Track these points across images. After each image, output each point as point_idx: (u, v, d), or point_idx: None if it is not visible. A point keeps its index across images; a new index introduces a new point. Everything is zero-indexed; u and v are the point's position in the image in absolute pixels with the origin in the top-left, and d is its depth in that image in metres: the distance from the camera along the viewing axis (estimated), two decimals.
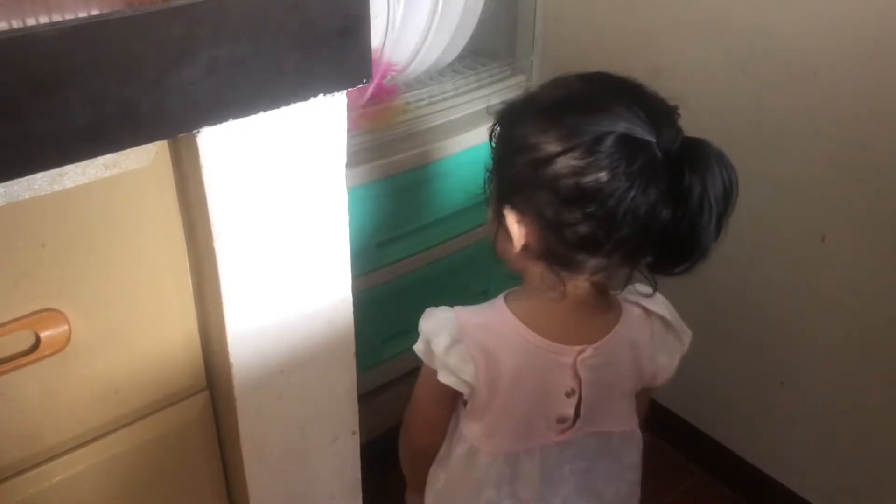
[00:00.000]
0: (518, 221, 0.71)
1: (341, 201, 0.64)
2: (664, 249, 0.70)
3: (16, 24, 0.46)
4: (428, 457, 0.87)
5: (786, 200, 1.03)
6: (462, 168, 1.08)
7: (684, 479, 1.27)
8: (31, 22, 0.46)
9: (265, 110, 0.53)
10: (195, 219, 0.58)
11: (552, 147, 0.67)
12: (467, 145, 1.07)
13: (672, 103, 0.69)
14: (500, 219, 0.73)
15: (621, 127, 0.66)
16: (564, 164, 0.66)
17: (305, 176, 0.60)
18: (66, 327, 0.54)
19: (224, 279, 0.58)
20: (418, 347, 0.78)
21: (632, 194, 0.66)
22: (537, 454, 0.79)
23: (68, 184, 0.51)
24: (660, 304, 0.80)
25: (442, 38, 1.05)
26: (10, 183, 0.48)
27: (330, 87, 0.56)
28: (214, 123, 0.51)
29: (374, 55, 0.97)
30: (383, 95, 1.02)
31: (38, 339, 0.53)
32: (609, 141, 0.65)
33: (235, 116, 0.52)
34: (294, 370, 0.67)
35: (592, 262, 0.71)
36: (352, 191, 0.64)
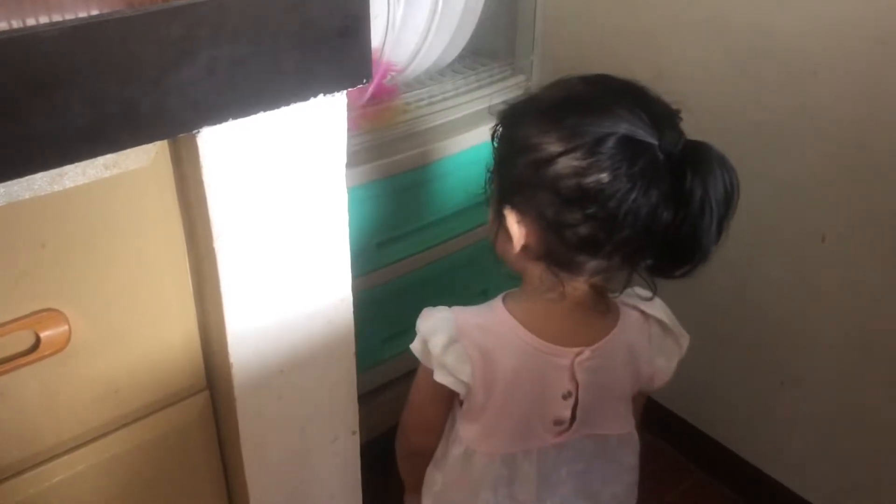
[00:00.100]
0: (518, 222, 0.71)
1: (341, 201, 0.64)
2: (665, 252, 0.70)
3: (16, 24, 0.46)
4: (424, 457, 0.86)
5: (786, 200, 1.03)
6: (462, 168, 1.08)
7: (684, 479, 1.27)
8: (31, 22, 0.46)
9: (265, 110, 0.53)
10: (195, 219, 0.58)
11: (554, 147, 0.67)
12: (467, 145, 1.07)
13: (675, 107, 0.69)
14: (500, 219, 0.73)
15: (623, 128, 0.66)
16: (566, 164, 0.66)
17: (305, 176, 0.60)
18: (66, 327, 0.54)
19: (224, 279, 0.59)
20: (415, 347, 0.78)
21: (633, 196, 0.66)
22: (534, 456, 0.79)
23: (68, 184, 0.51)
24: (658, 308, 0.80)
25: (442, 38, 1.05)
26: (10, 183, 0.48)
27: (330, 87, 0.56)
28: (214, 123, 0.51)
29: (374, 55, 0.97)
30: (383, 95, 1.02)
31: (38, 339, 0.53)
32: (611, 142, 0.65)
33: (235, 116, 0.52)
34: (294, 370, 0.67)
35: (592, 264, 0.71)
36: (352, 191, 0.64)
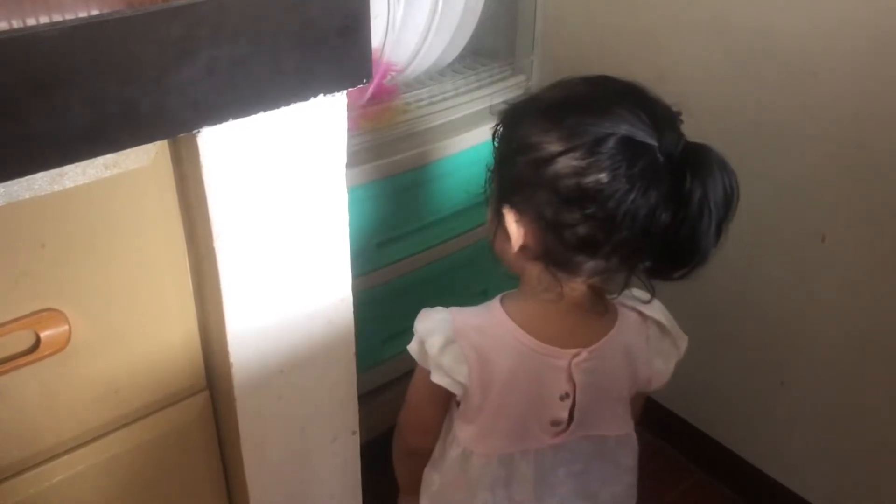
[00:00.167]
0: (517, 221, 0.71)
1: (341, 201, 0.64)
2: (663, 254, 0.70)
3: (16, 24, 0.46)
4: (421, 458, 0.86)
5: (786, 200, 1.03)
6: (462, 168, 1.08)
7: (684, 479, 1.27)
8: (31, 22, 0.46)
9: (265, 110, 0.53)
10: (195, 219, 0.58)
11: (554, 147, 0.67)
12: (467, 145, 1.07)
13: (675, 108, 0.69)
14: (498, 218, 0.73)
15: (623, 129, 0.66)
16: (565, 164, 0.66)
17: (305, 176, 0.60)
18: (66, 327, 0.54)
19: (224, 279, 0.59)
20: (412, 348, 0.78)
21: (632, 196, 0.66)
22: (531, 457, 0.79)
23: (68, 184, 0.51)
24: (656, 309, 0.79)
25: (442, 38, 1.05)
26: (10, 183, 0.48)
27: (330, 87, 0.56)
28: (214, 123, 0.51)
29: (375, 55, 0.97)
30: (383, 95, 1.02)
31: (38, 339, 0.53)
32: (611, 142, 0.65)
33: (235, 116, 0.52)
34: (294, 370, 0.67)
35: (590, 265, 0.71)
36: (352, 191, 0.64)
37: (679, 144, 0.67)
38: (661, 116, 0.68)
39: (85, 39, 0.44)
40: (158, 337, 0.60)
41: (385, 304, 1.06)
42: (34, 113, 0.44)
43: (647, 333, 0.80)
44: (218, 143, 0.54)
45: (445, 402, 0.82)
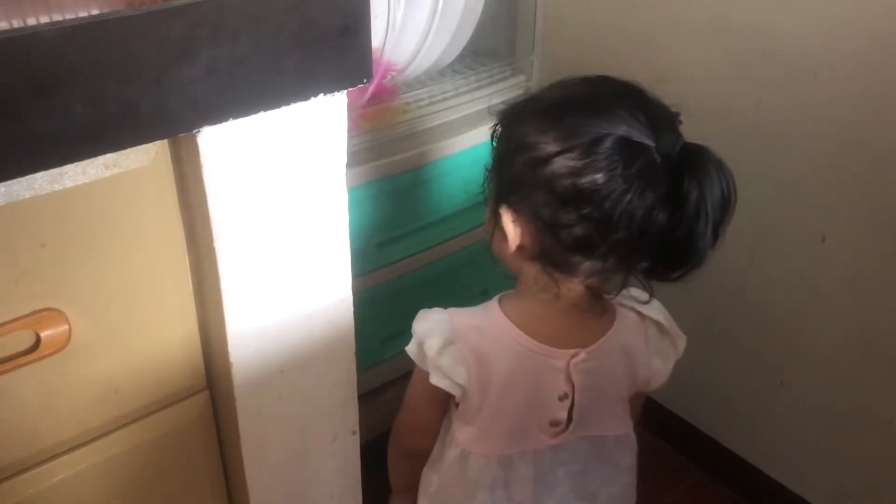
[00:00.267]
0: (514, 221, 0.71)
1: (341, 201, 0.64)
2: (660, 255, 0.70)
3: (16, 23, 0.46)
4: (419, 459, 0.86)
5: (786, 200, 1.03)
6: (462, 168, 1.08)
7: (684, 480, 1.27)
8: (31, 21, 0.46)
9: (265, 110, 0.53)
10: (195, 218, 0.58)
11: (551, 147, 0.67)
12: (467, 145, 1.07)
13: (674, 109, 0.69)
14: (496, 218, 0.73)
15: (621, 130, 0.66)
16: (562, 164, 0.66)
17: (305, 176, 0.60)
18: (66, 327, 0.54)
19: (224, 279, 0.59)
20: (411, 349, 0.78)
21: (628, 197, 0.66)
22: (530, 457, 0.79)
23: (68, 183, 0.51)
24: (655, 309, 0.79)
25: (442, 38, 1.05)
26: (10, 182, 0.48)
27: (330, 87, 0.56)
28: (215, 123, 0.51)
29: (375, 55, 0.97)
30: (383, 95, 1.02)
31: (38, 339, 0.53)
32: (608, 143, 0.65)
33: (236, 116, 0.52)
34: (294, 370, 0.67)
35: (587, 265, 0.71)
36: (352, 191, 0.64)
37: (676, 145, 0.67)
38: (659, 117, 0.68)
39: (85, 39, 0.44)
40: (158, 337, 0.60)
41: (385, 304, 1.06)
42: (34, 112, 0.44)
43: (646, 333, 0.80)
44: (218, 142, 0.54)
45: (444, 403, 0.82)
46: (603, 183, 0.65)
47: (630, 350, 0.79)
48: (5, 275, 0.51)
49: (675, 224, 0.67)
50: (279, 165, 0.58)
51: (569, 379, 0.76)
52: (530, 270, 0.74)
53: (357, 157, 0.98)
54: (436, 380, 0.76)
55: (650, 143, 0.66)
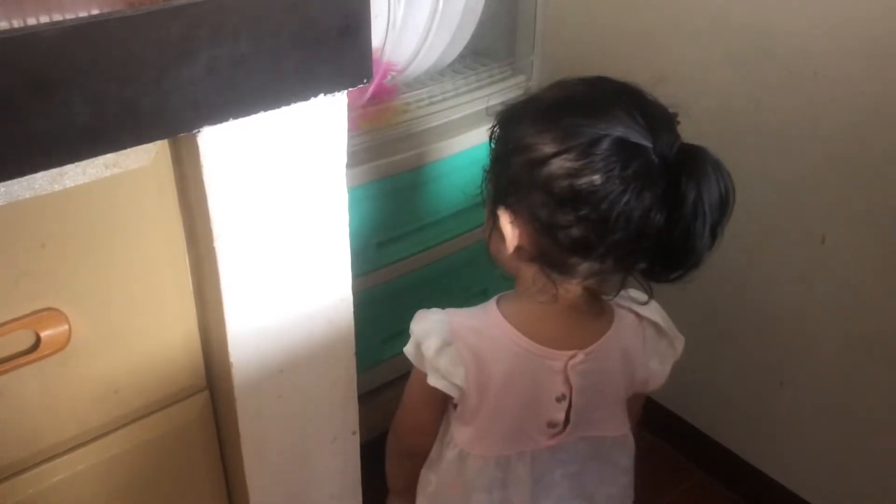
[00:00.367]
0: (511, 222, 0.71)
1: (341, 201, 0.64)
2: (658, 256, 0.70)
3: (16, 23, 0.46)
4: (417, 459, 0.86)
5: (786, 200, 1.03)
6: (462, 168, 1.08)
7: (684, 480, 1.27)
8: (31, 21, 0.46)
9: (265, 110, 0.54)
10: (195, 218, 0.58)
11: (548, 148, 0.67)
12: (467, 145, 1.07)
13: (672, 110, 0.69)
14: (494, 219, 0.73)
15: (618, 131, 0.66)
16: (559, 165, 0.66)
17: (306, 176, 0.60)
18: (66, 327, 0.54)
19: (224, 279, 0.59)
20: (409, 350, 0.78)
21: (625, 198, 0.65)
22: (528, 458, 0.79)
23: (69, 183, 0.51)
24: (653, 311, 0.79)
25: (442, 38, 1.05)
26: (10, 182, 0.48)
27: (330, 87, 0.56)
28: (215, 123, 0.51)
29: (375, 55, 0.97)
30: (383, 95, 1.02)
31: (38, 339, 0.53)
32: (605, 144, 0.65)
33: (236, 116, 0.52)
34: (294, 370, 0.67)
35: (585, 266, 0.71)
36: (352, 191, 0.64)
37: (674, 146, 0.67)
38: (657, 117, 0.68)
39: (85, 39, 0.44)
40: (158, 337, 0.60)
41: (385, 304, 1.06)
42: (34, 112, 0.44)
43: (644, 335, 0.79)
44: (218, 142, 0.54)
45: (442, 403, 0.82)
46: (600, 184, 0.65)
47: (628, 351, 0.79)
48: (5, 275, 0.51)
49: (673, 225, 0.67)
50: (279, 165, 0.58)
51: (566, 380, 0.75)
52: (528, 271, 0.74)
53: (357, 157, 0.98)
54: (433, 381, 0.76)
55: (648, 143, 0.66)
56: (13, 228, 0.50)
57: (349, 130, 0.62)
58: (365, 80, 0.58)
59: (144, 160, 0.54)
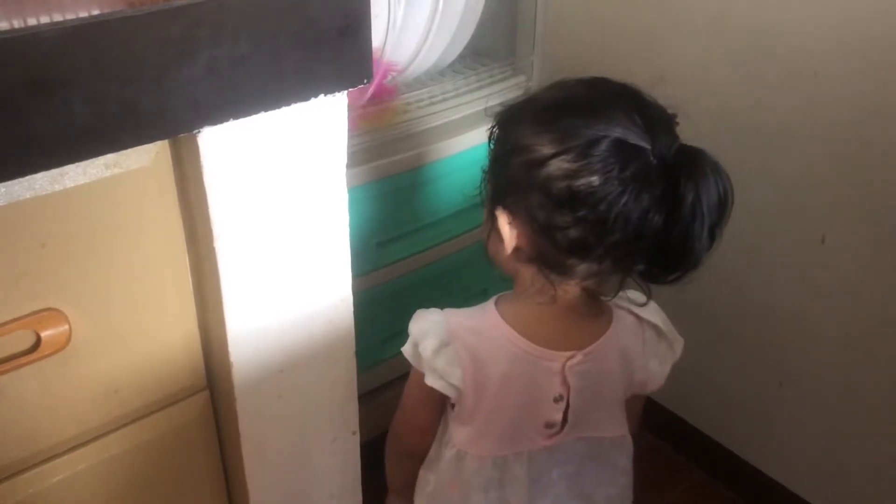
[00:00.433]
0: (510, 223, 0.71)
1: (342, 201, 0.64)
2: (656, 257, 0.70)
3: (17, 23, 0.46)
4: (416, 458, 0.86)
5: (786, 200, 1.03)
6: (462, 168, 1.08)
7: (684, 480, 1.27)
8: (31, 21, 0.46)
9: (266, 110, 0.54)
10: (196, 218, 0.58)
11: (546, 149, 0.67)
12: (467, 146, 1.07)
13: (671, 111, 0.69)
14: (492, 220, 0.73)
15: (616, 132, 0.65)
16: (557, 166, 0.66)
17: (306, 176, 0.60)
18: (66, 327, 0.54)
19: (224, 279, 0.59)
20: (407, 350, 0.78)
21: (623, 199, 0.65)
22: (525, 458, 0.79)
23: (69, 183, 0.51)
24: (652, 312, 0.79)
25: (442, 38, 1.05)
26: (10, 182, 0.48)
27: (330, 88, 0.56)
28: (215, 123, 0.51)
29: (375, 55, 0.97)
30: (383, 96, 1.02)
31: (38, 339, 0.53)
32: (603, 145, 0.65)
33: (236, 116, 0.52)
34: (294, 370, 0.67)
35: (583, 267, 0.71)
36: (352, 191, 0.64)
37: (673, 147, 0.67)
38: (656, 119, 0.68)
39: (85, 39, 0.44)
40: (158, 337, 0.60)
41: (385, 304, 1.06)
42: (35, 112, 0.44)
43: (644, 336, 0.79)
44: (218, 143, 0.54)
45: (441, 403, 0.82)
46: (598, 185, 0.65)
47: (627, 352, 0.78)
48: (6, 275, 0.51)
49: (671, 226, 0.67)
50: (279, 166, 0.58)
51: (564, 381, 0.75)
52: (526, 272, 0.74)
53: (357, 157, 0.98)
54: (431, 381, 0.76)
55: (646, 145, 0.66)
56: (13, 228, 0.50)
57: (349, 130, 0.62)
58: (365, 81, 0.58)
59: (145, 160, 0.54)
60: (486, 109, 0.84)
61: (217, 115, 0.51)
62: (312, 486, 0.75)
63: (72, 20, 0.44)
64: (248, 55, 0.50)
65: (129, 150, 0.52)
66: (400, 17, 0.98)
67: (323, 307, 0.66)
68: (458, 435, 0.80)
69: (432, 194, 1.09)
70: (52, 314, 0.53)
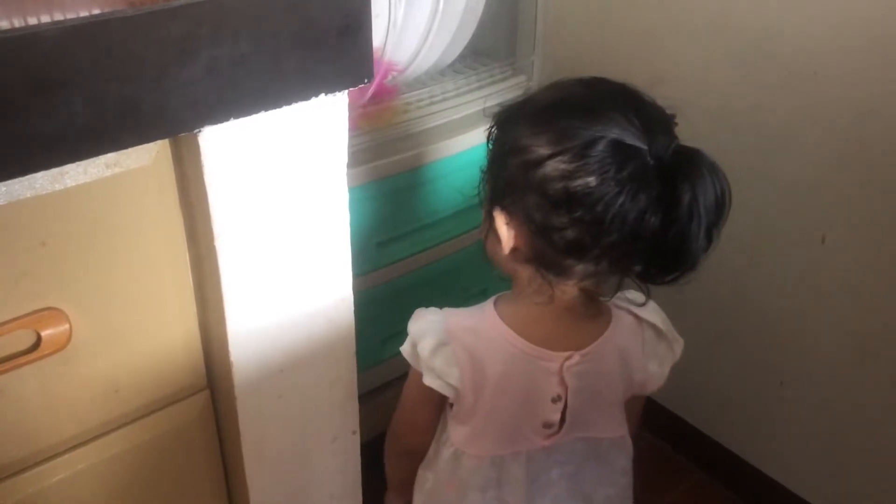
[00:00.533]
0: (507, 223, 0.71)
1: (342, 201, 0.64)
2: (653, 258, 0.69)
3: (17, 22, 0.46)
4: (415, 457, 0.86)
5: (786, 201, 1.03)
6: (463, 168, 1.08)
7: (684, 480, 1.27)
8: (32, 21, 0.46)
9: (266, 110, 0.54)
10: (196, 218, 0.58)
11: (543, 150, 0.67)
12: (468, 145, 1.07)
13: (670, 111, 0.69)
14: (490, 220, 0.73)
15: (613, 133, 0.65)
16: (554, 167, 0.66)
17: (306, 175, 0.60)
18: (66, 326, 0.54)
19: (225, 278, 0.59)
20: (405, 349, 0.78)
21: (620, 200, 0.65)
22: (523, 458, 0.79)
23: (69, 183, 0.51)
24: (652, 312, 0.79)
25: (443, 37, 1.05)
26: (11, 182, 0.48)
27: (331, 87, 0.56)
28: (215, 123, 0.51)
29: (375, 55, 0.97)
30: (384, 95, 1.02)
31: (38, 338, 0.53)
32: (600, 146, 0.65)
33: (236, 116, 0.52)
34: (294, 369, 0.67)
35: (580, 268, 0.71)
36: (352, 190, 0.64)
37: (670, 148, 0.67)
38: (654, 119, 0.68)
39: (86, 38, 0.44)
40: (159, 336, 0.60)
41: (385, 304, 1.06)
42: (35, 112, 0.44)
43: (643, 337, 0.79)
44: (219, 142, 0.54)
45: (439, 403, 0.82)
46: (595, 186, 0.65)
47: (626, 353, 0.78)
48: (6, 274, 0.51)
49: (668, 227, 0.67)
50: (280, 165, 0.58)
51: (562, 381, 0.75)
52: (524, 273, 0.74)
53: (358, 157, 0.98)
54: (428, 380, 0.76)
55: (643, 145, 0.66)
56: (14, 228, 0.50)
57: (350, 130, 0.62)
58: (366, 80, 0.58)
59: (145, 159, 0.54)
60: (484, 110, 0.84)
61: (217, 114, 0.51)
62: (312, 486, 0.75)
63: (72, 19, 0.44)
64: (249, 55, 0.50)
65: (130, 150, 0.52)
66: (400, 17, 0.98)
67: (323, 306, 0.66)
68: (455, 434, 0.80)
69: (433, 194, 1.09)
70: (52, 313, 0.53)
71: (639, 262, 0.71)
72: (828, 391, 1.07)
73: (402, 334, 0.78)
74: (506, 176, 0.71)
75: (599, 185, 0.65)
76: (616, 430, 0.81)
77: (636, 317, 0.79)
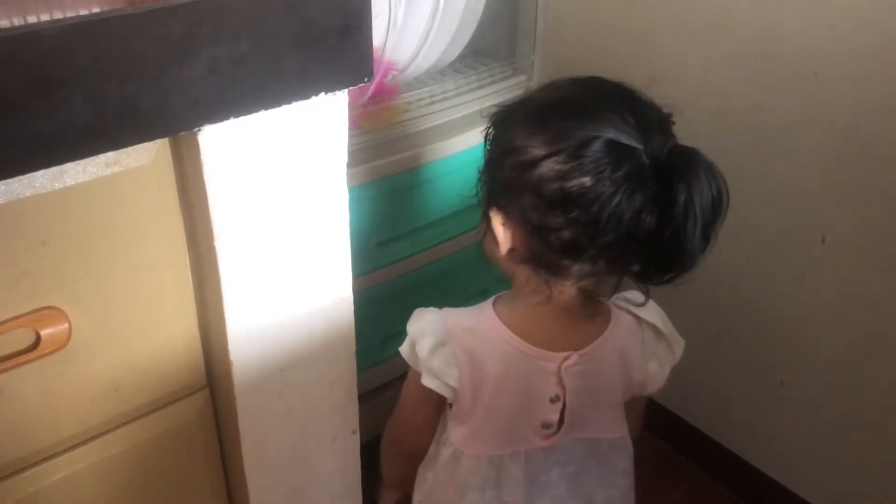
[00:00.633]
0: (504, 224, 0.71)
1: (342, 200, 0.64)
2: (650, 258, 0.69)
3: (17, 21, 0.46)
4: (415, 457, 0.86)
5: (786, 201, 1.03)
6: (462, 168, 1.08)
7: (684, 480, 1.27)
8: (32, 19, 0.46)
9: (266, 109, 0.54)
10: (196, 217, 0.58)
11: (538, 150, 0.67)
12: (468, 145, 1.07)
13: (668, 111, 0.69)
14: (487, 221, 0.73)
15: (609, 132, 0.65)
16: (549, 167, 0.66)
17: (306, 175, 0.60)
18: (66, 325, 0.54)
19: (225, 278, 0.59)
20: (404, 349, 0.78)
21: (616, 200, 0.65)
22: (522, 458, 0.78)
23: (69, 182, 0.51)
24: (652, 313, 0.79)
25: (443, 37, 1.05)
26: (10, 181, 0.48)
27: (331, 86, 0.56)
28: (215, 122, 0.51)
29: (376, 54, 0.97)
30: (384, 95, 1.02)
31: (38, 338, 0.53)
32: (595, 146, 0.65)
33: (236, 115, 0.52)
34: (294, 369, 0.67)
35: (577, 268, 0.70)
36: (352, 190, 0.64)
37: (666, 147, 0.67)
38: (650, 118, 0.67)
39: (86, 37, 0.44)
40: (159, 335, 0.60)
41: (385, 304, 1.06)
42: (35, 111, 0.44)
43: (643, 337, 0.79)
44: (219, 141, 0.54)
45: (438, 403, 0.82)
46: (590, 186, 0.65)
47: (625, 353, 0.78)
48: (5, 273, 0.51)
49: (664, 227, 0.66)
50: (280, 164, 0.58)
51: (560, 381, 0.75)
52: (522, 273, 0.74)
53: (358, 156, 0.98)
54: (427, 381, 0.76)
55: (638, 145, 0.66)
56: (14, 227, 0.50)
57: (350, 130, 0.62)
58: (366, 79, 0.58)
59: (145, 159, 0.54)
60: (481, 110, 0.84)
61: (217, 113, 0.51)
62: (312, 486, 0.75)
63: (72, 18, 0.44)
64: (249, 54, 0.50)
65: (130, 149, 0.52)
66: (401, 17, 0.98)
67: (323, 306, 0.66)
68: (454, 434, 0.80)
69: (433, 194, 1.09)
70: (52, 313, 0.53)
71: (636, 262, 0.71)
72: (828, 391, 1.07)
73: (401, 334, 0.78)
74: (502, 177, 0.71)
75: (595, 185, 0.65)
76: (615, 430, 0.81)
77: (636, 317, 0.79)
